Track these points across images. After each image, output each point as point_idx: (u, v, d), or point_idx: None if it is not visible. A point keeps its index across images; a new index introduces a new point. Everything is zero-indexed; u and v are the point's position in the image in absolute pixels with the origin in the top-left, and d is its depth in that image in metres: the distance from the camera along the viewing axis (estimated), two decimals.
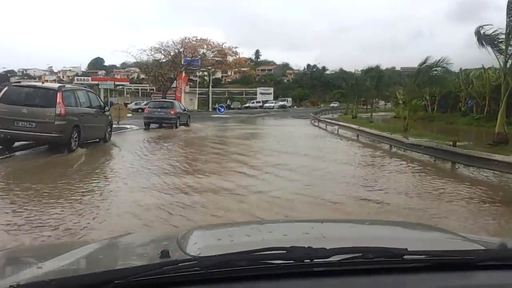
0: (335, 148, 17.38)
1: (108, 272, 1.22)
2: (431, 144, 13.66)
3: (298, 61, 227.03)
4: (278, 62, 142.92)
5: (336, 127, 25.12)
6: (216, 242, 1.62)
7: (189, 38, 52.53)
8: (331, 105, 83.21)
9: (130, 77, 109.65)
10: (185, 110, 28.23)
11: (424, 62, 25.41)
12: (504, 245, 1.49)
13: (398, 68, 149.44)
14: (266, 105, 76.11)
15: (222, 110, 46.66)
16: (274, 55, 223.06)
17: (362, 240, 1.52)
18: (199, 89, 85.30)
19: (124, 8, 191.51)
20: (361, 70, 38.98)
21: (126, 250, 1.79)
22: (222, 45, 53.87)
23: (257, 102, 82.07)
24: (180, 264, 1.17)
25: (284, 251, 1.20)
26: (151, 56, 53.85)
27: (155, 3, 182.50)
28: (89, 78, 78.90)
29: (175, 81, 57.13)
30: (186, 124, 26.00)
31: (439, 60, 24.37)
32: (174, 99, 45.30)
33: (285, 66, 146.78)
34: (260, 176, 10.08)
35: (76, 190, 7.90)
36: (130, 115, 32.28)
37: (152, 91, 75.98)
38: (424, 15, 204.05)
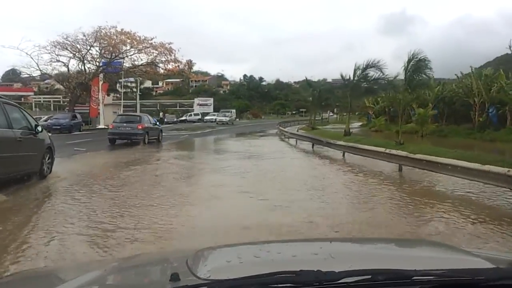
0: None
1: None
2: None
3: (233, 73, 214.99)
4: (212, 73, 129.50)
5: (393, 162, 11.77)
6: (226, 264, 1.53)
7: (105, 29, 37.01)
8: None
9: (45, 88, 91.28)
10: (156, 124, 24.73)
11: None
12: None
13: (329, 80, 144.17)
14: (208, 118, 61.11)
15: None
16: (208, 66, 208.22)
17: (371, 261, 1.48)
18: (124, 101, 69.41)
19: (45, 12, 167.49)
20: (357, 68, 25.39)
21: (136, 274, 1.69)
22: (151, 40, 38.79)
23: (195, 114, 66.95)
24: None
25: (294, 275, 1.16)
26: (54, 54, 37.67)
27: (82, 8, 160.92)
28: None
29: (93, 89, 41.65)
30: (158, 140, 22.85)
31: None
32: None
33: (220, 77, 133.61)
34: None
35: None
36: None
37: (66, 103, 59.03)
38: (355, 29, 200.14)
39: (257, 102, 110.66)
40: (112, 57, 39.30)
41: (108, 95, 75.74)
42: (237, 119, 72.18)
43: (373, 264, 1.29)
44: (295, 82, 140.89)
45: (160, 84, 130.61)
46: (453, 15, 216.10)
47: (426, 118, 28.56)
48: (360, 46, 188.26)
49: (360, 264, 1.28)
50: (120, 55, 39.36)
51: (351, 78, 27.06)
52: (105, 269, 1.68)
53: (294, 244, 2.17)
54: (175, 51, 38.16)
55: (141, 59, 39.66)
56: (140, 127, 20.54)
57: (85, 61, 38.71)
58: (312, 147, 19.11)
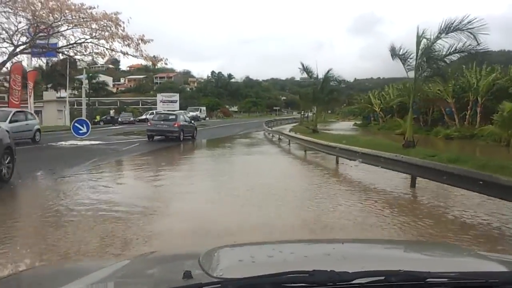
0: None
1: None
2: None
3: (200, 71, 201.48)
4: (178, 70, 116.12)
5: None
6: (238, 263, 1.45)
7: None
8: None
9: None
10: (191, 122, 24.32)
11: None
12: None
13: (297, 79, 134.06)
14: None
15: (84, 130, 19.56)
16: (174, 64, 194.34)
17: (384, 262, 1.41)
18: (75, 98, 56.32)
19: None
20: (421, 35, 14.13)
21: (150, 271, 1.59)
22: (90, 10, 26.05)
23: (157, 113, 54.12)
24: None
25: (307, 275, 1.10)
26: None
27: None
28: None
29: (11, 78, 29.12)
30: (193, 137, 22.84)
31: None
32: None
33: (187, 73, 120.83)
34: None
35: None
36: None
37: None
38: (325, 28, 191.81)
39: (226, 100, 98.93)
40: (36, 33, 26.43)
41: (57, 90, 62.49)
42: (207, 118, 60.12)
43: (386, 265, 1.20)
44: (263, 80, 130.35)
45: (122, 80, 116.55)
46: (419, 17, 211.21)
47: None
48: (329, 45, 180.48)
49: (373, 265, 1.19)
50: (49, 29, 26.47)
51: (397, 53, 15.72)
52: (117, 266, 1.61)
53: (306, 244, 2.04)
54: (123, 23, 25.55)
55: (76, 36, 26.66)
56: (176, 125, 20.90)
57: None
58: (413, 185, 7.71)
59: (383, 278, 1.11)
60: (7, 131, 8.73)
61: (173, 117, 22.04)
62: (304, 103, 37.46)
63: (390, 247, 2.01)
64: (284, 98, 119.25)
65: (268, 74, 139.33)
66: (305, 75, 28.88)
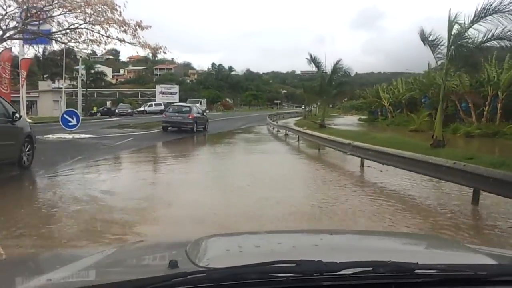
0: None
1: (117, 283, 1.08)
2: None
3: (201, 63, 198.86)
4: (178, 62, 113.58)
5: None
6: (225, 252, 1.44)
7: None
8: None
9: None
10: (203, 114, 24.52)
11: None
12: None
13: (298, 72, 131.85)
14: None
15: (74, 122, 17.58)
16: (174, 56, 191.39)
17: (372, 253, 1.38)
18: (72, 89, 54.13)
19: None
20: (453, 21, 12.15)
21: (135, 260, 1.59)
22: None
23: (156, 104, 51.84)
24: (189, 277, 1.05)
25: (294, 265, 1.08)
26: None
27: None
28: None
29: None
30: (204, 129, 22.95)
31: None
32: None
33: (187, 65, 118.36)
34: None
35: None
36: None
37: None
38: (326, 22, 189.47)
39: (227, 93, 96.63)
40: (27, 17, 24.28)
41: (53, 80, 60.20)
42: (207, 111, 58.03)
43: (374, 256, 1.17)
44: (264, 73, 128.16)
45: (122, 72, 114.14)
46: (422, 12, 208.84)
47: None
48: (330, 39, 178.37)
49: (361, 256, 1.20)
50: (40, 13, 24.31)
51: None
52: (103, 255, 1.58)
53: (294, 234, 2.02)
54: (119, 7, 23.38)
55: (69, 21, 24.49)
56: (190, 117, 21.08)
57: None
58: (475, 201, 5.80)
59: (371, 268, 1.08)
60: None
61: (187, 109, 22.30)
62: (310, 97, 35.41)
63: (378, 238, 1.96)
64: (284, 91, 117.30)
65: (269, 68, 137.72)
66: (310, 67, 27.17)
